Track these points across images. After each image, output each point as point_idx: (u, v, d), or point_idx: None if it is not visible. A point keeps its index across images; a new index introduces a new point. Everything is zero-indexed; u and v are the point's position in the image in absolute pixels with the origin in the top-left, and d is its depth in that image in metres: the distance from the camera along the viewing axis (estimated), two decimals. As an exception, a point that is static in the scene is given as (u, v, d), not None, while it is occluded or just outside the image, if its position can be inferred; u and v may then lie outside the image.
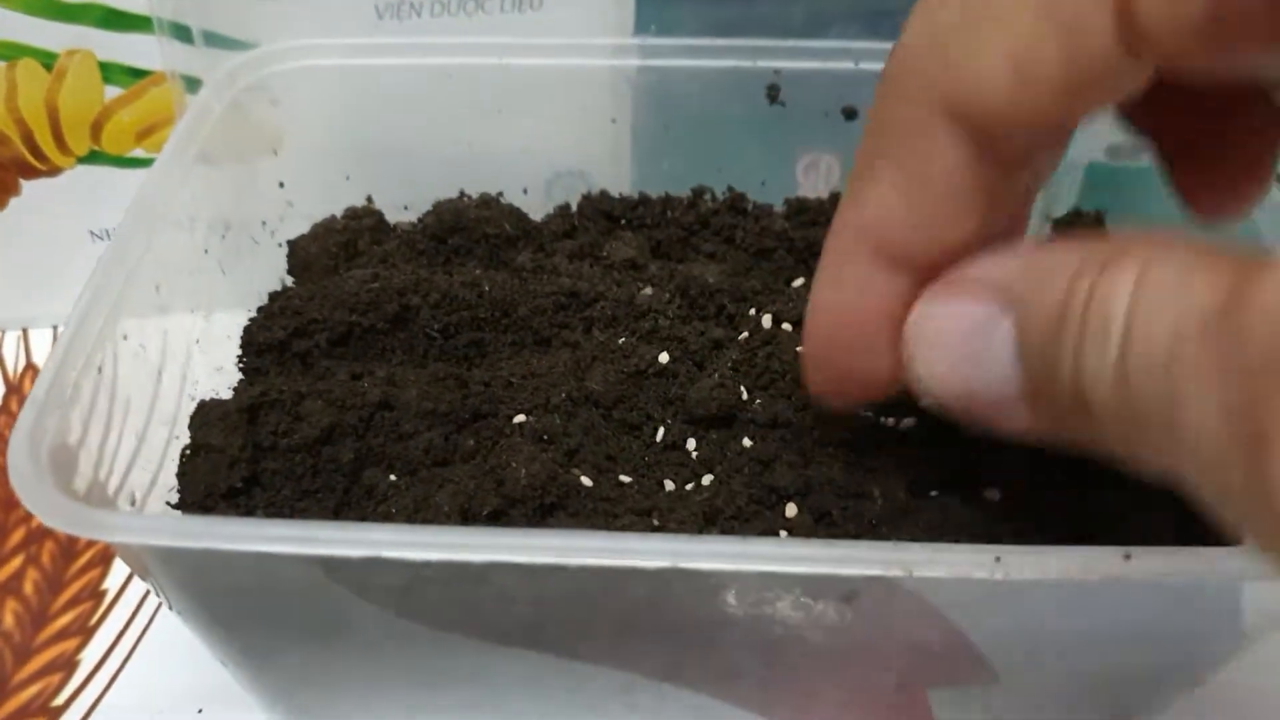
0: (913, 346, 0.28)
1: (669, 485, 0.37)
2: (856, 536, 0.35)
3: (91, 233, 0.55)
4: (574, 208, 0.48)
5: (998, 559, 0.28)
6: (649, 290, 0.42)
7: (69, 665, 0.44)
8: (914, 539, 0.34)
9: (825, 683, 0.37)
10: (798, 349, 0.39)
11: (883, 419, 0.38)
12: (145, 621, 0.46)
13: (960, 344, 0.27)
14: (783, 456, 0.37)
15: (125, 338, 0.36)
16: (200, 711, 0.43)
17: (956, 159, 0.26)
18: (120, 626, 0.46)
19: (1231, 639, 0.34)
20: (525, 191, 0.50)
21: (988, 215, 0.27)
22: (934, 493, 0.36)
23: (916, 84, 0.26)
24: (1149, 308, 0.21)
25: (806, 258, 0.45)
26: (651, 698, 0.36)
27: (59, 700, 0.43)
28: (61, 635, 0.45)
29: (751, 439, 0.38)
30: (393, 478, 0.37)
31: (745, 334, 0.41)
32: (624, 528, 0.35)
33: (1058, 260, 0.24)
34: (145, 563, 0.32)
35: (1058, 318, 0.23)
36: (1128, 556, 0.28)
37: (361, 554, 0.29)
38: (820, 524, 0.35)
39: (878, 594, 0.31)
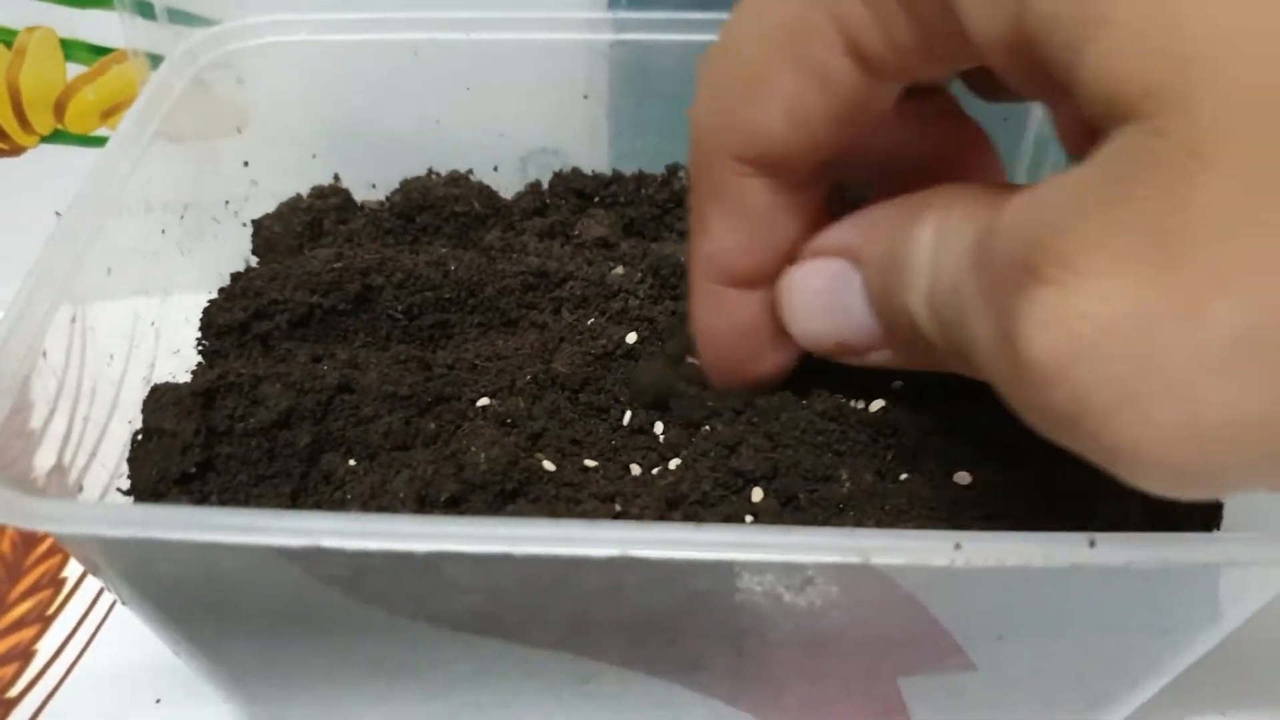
0: (785, 309, 0.33)
1: (635, 470, 0.36)
2: (824, 521, 0.34)
3: (57, 213, 0.53)
4: (545, 185, 0.48)
5: (958, 546, 0.27)
6: (620, 270, 0.41)
7: (25, 655, 0.44)
8: (881, 523, 0.33)
9: (795, 670, 0.36)
10: None
11: (852, 402, 0.37)
12: (104, 610, 0.45)
13: (823, 300, 0.32)
14: (749, 440, 0.36)
15: (73, 320, 0.36)
16: (158, 701, 0.42)
17: (763, 193, 0.31)
18: (79, 615, 0.45)
19: (1208, 625, 0.33)
20: (496, 169, 0.49)
21: (804, 224, 0.32)
22: (903, 476, 0.35)
23: (714, 145, 0.31)
24: (941, 246, 0.26)
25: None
26: (613, 686, 0.36)
27: (14, 691, 0.43)
28: (19, 624, 0.45)
29: (719, 422, 0.37)
30: (351, 462, 0.37)
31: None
32: (586, 514, 0.34)
33: (885, 215, 0.30)
34: (88, 554, 0.31)
35: (887, 265, 0.29)
36: (1092, 543, 0.28)
37: (301, 544, 0.28)
38: (787, 508, 0.35)
39: (846, 579, 0.31)
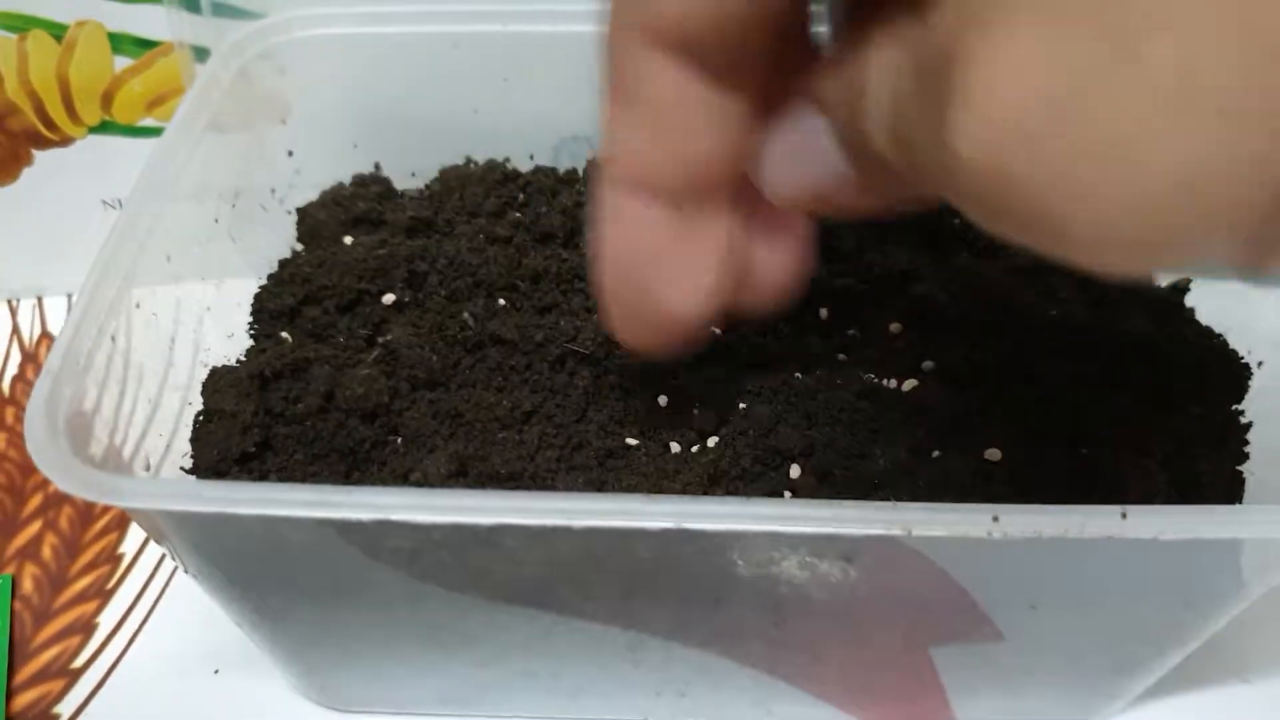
0: (761, 172, 0.28)
1: (675, 447, 0.38)
2: (859, 496, 0.35)
3: (103, 201, 0.55)
4: (580, 173, 0.49)
5: (995, 518, 0.29)
6: None
7: (88, 628, 0.45)
8: (915, 498, 0.35)
9: (831, 641, 0.37)
10: None
11: (885, 381, 0.38)
12: (162, 584, 0.47)
13: (794, 151, 0.28)
14: (787, 419, 0.37)
15: (138, 306, 0.37)
16: (216, 672, 0.43)
17: (675, 82, 0.26)
18: (137, 589, 0.46)
19: (1232, 595, 0.34)
20: (531, 157, 0.50)
21: (727, 130, 0.28)
22: (935, 453, 0.37)
23: (623, 21, 0.27)
24: (888, 58, 0.23)
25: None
26: (658, 656, 0.37)
27: (78, 662, 0.44)
28: (80, 598, 0.46)
29: (757, 402, 0.38)
30: (400, 441, 0.38)
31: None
32: (630, 489, 0.36)
33: (841, 49, 0.25)
34: (160, 527, 0.33)
35: (846, 96, 0.25)
36: (1124, 515, 0.29)
37: (370, 517, 0.29)
38: (823, 484, 0.36)
39: (881, 553, 0.32)
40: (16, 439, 0.51)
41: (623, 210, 0.29)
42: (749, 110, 0.28)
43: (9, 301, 0.59)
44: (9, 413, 0.53)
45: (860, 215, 0.28)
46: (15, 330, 0.57)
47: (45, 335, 0.57)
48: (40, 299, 0.59)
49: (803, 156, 0.28)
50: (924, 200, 0.26)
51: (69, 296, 0.58)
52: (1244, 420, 0.39)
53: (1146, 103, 0.17)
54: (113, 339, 0.35)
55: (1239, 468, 0.37)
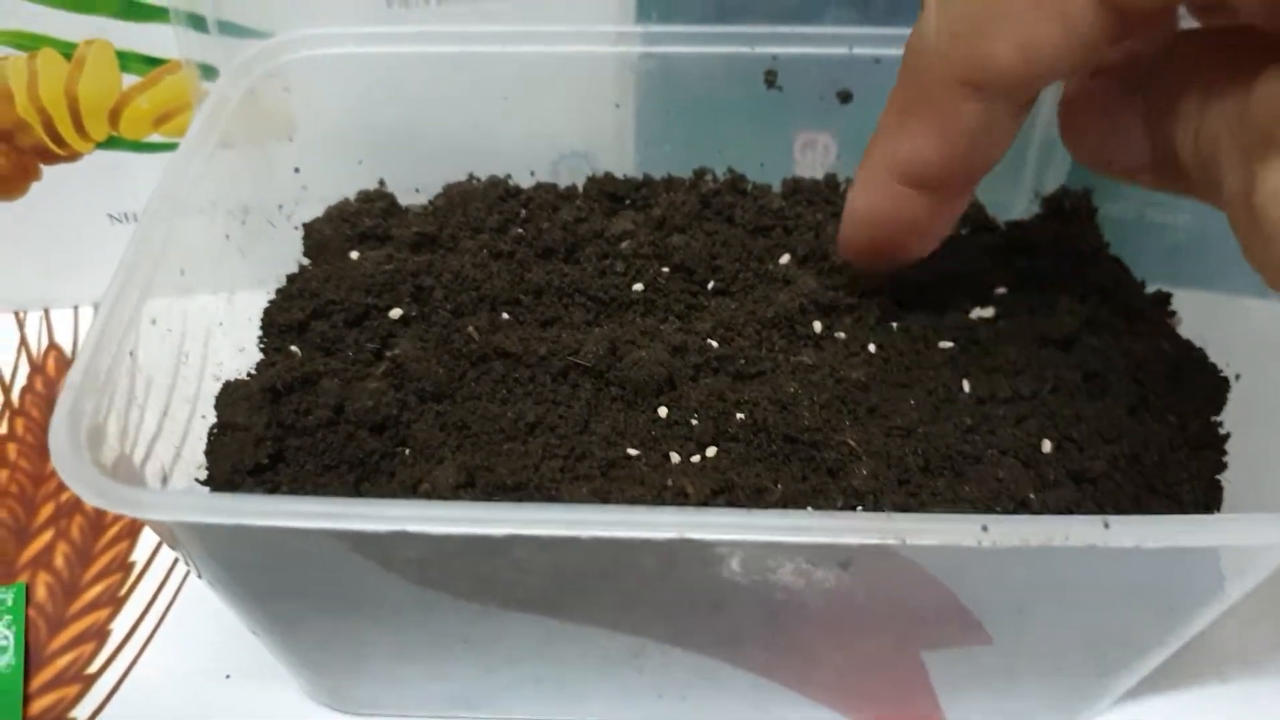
0: (1084, 137, 0.37)
1: (674, 458, 0.39)
2: (851, 505, 0.36)
3: (110, 215, 0.56)
4: (580, 189, 0.50)
5: (984, 528, 0.30)
6: (640, 286, 0.44)
7: (101, 634, 0.46)
8: (904, 506, 0.36)
9: (826, 646, 0.39)
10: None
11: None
12: (173, 592, 0.48)
13: (1116, 133, 0.35)
14: (782, 428, 0.38)
15: (154, 322, 0.38)
16: (228, 677, 0.44)
17: (978, 116, 0.34)
18: (149, 597, 0.47)
19: (1212, 599, 0.35)
20: (532, 174, 0.51)
21: (1002, 145, 0.36)
22: (922, 462, 0.38)
23: (942, 67, 0.34)
24: (1210, 97, 0.30)
25: (803, 232, 0.47)
26: (659, 660, 0.38)
27: (93, 668, 0.45)
28: (93, 606, 0.47)
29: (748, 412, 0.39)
30: (408, 452, 0.39)
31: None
32: (634, 499, 0.37)
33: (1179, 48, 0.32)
34: (176, 535, 0.34)
35: (1167, 98, 0.32)
36: (1107, 525, 0.30)
37: (385, 529, 0.30)
38: (817, 495, 0.37)
39: (876, 561, 0.33)
40: (27, 450, 0.52)
41: (888, 191, 0.38)
42: (1017, 128, 0.35)
43: (16, 314, 0.60)
44: (19, 423, 0.54)
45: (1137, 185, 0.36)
46: (23, 342, 0.58)
47: (53, 347, 0.58)
48: (47, 311, 0.60)
49: (1119, 139, 0.35)
50: (1190, 197, 0.33)
51: (75, 309, 0.60)
52: (1222, 431, 0.40)
53: None
54: (131, 354, 0.36)
55: (1218, 477, 0.39)
